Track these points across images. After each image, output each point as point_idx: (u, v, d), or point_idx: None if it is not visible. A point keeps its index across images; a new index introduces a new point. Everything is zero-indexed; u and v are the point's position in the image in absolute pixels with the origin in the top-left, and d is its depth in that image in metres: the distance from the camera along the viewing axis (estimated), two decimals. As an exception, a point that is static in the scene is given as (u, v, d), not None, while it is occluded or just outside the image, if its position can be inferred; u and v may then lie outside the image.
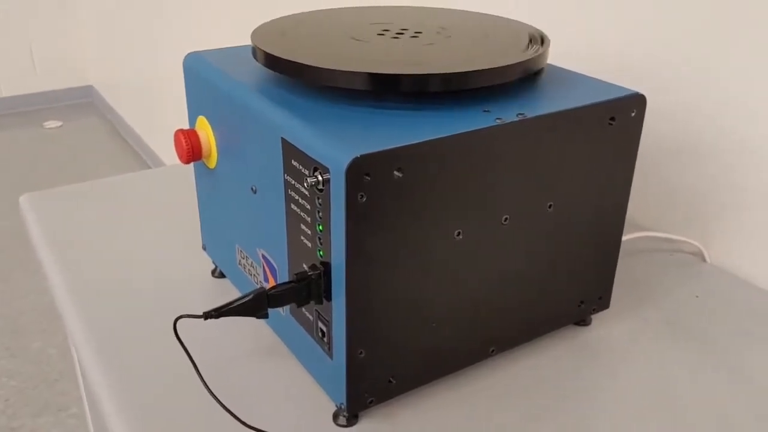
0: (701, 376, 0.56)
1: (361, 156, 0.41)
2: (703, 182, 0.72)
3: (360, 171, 0.41)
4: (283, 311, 0.54)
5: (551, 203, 0.52)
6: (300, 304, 0.48)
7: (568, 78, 0.56)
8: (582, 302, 0.58)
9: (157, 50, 2.48)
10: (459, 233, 0.48)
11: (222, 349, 0.57)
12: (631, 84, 0.76)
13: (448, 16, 0.62)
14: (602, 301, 0.60)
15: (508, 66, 0.49)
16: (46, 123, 3.27)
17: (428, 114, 0.48)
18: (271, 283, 0.54)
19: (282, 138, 0.47)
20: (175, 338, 0.54)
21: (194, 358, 0.49)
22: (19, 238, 2.32)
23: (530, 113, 0.48)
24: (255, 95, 0.51)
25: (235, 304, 0.47)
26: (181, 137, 0.57)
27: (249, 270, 0.58)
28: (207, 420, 0.50)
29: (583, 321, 0.61)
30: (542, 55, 0.53)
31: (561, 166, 0.51)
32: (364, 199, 0.42)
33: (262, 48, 0.52)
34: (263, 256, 0.55)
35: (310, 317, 0.50)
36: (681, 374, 0.56)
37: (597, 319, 0.62)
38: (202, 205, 0.64)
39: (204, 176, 0.62)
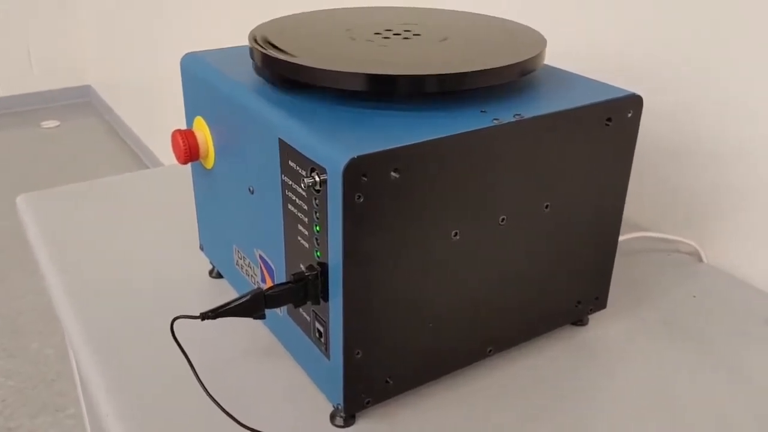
0: (699, 376, 0.56)
1: (358, 157, 0.41)
2: (700, 183, 0.72)
3: (357, 172, 0.41)
4: (280, 312, 0.54)
5: (548, 203, 0.52)
6: (297, 305, 0.48)
7: (565, 78, 0.56)
8: (579, 302, 0.58)
9: (157, 50, 2.48)
10: (456, 234, 0.48)
11: (219, 349, 0.57)
12: (631, 84, 0.76)
13: (446, 16, 0.62)
14: (599, 301, 0.60)
15: (505, 67, 0.49)
16: (43, 123, 3.27)
17: (425, 115, 0.48)
18: (269, 283, 0.54)
19: (279, 138, 0.47)
20: (172, 339, 0.54)
21: (191, 359, 0.49)
22: (17, 238, 2.32)
23: (527, 114, 0.48)
24: (252, 96, 0.51)
25: (232, 305, 0.47)
26: (179, 137, 0.57)
27: (246, 270, 0.58)
28: (204, 421, 0.50)
29: (580, 321, 0.61)
30: (539, 56, 0.53)
31: (558, 166, 0.51)
32: (361, 199, 0.42)
33: (260, 48, 0.52)
34: (260, 257, 0.55)
35: (308, 318, 0.50)
36: (678, 374, 0.56)
37: (594, 319, 0.62)
38: (199, 205, 0.64)
39: (201, 177, 0.62)
